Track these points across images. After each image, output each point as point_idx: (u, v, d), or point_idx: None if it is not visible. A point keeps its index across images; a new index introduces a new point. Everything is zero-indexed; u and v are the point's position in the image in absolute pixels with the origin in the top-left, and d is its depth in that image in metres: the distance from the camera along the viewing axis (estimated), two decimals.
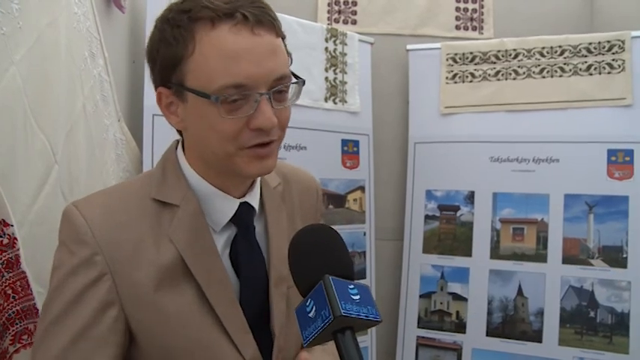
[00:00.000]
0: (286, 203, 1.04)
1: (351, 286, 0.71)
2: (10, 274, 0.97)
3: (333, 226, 0.96)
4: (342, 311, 0.65)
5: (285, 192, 1.05)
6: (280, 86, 0.84)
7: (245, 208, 0.95)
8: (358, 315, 0.67)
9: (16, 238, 0.95)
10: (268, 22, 0.83)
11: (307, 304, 0.70)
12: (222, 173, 0.92)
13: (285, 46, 0.88)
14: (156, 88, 0.89)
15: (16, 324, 0.99)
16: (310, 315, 0.69)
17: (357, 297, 0.69)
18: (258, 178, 1.00)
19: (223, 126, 0.82)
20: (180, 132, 0.96)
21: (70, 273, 0.83)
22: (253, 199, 0.97)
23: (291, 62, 0.89)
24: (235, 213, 0.94)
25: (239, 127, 0.83)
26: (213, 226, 0.93)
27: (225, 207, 0.93)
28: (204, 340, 0.88)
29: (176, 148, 0.97)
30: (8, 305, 0.97)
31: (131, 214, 0.88)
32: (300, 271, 0.75)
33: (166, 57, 0.84)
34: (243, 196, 0.96)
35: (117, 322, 0.84)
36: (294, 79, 0.88)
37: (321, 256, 0.75)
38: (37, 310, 1.03)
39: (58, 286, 0.84)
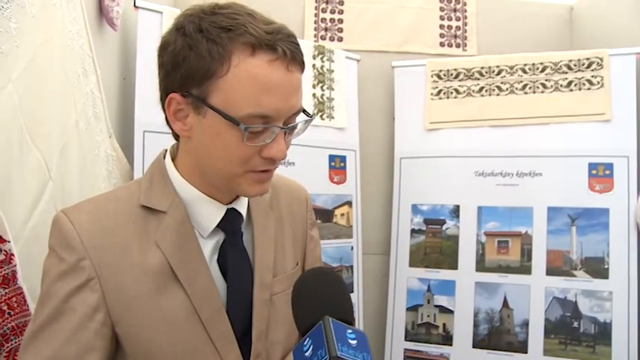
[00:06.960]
0: (274, 211, 1.05)
1: (350, 331, 0.72)
2: (6, 290, 0.97)
3: (320, 241, 0.97)
4: (339, 352, 0.67)
5: (273, 200, 1.06)
6: (295, 123, 0.88)
7: (232, 215, 0.96)
8: (353, 359, 0.68)
9: (13, 254, 0.96)
10: (300, 61, 0.85)
11: (305, 343, 0.72)
12: (214, 185, 0.93)
13: None
14: (167, 91, 0.87)
15: (11, 340, 0.99)
16: (307, 354, 0.70)
17: (355, 342, 0.71)
18: None
19: (238, 150, 0.84)
20: (176, 137, 0.96)
21: (58, 278, 0.84)
22: (241, 206, 0.98)
23: None
24: (223, 219, 0.94)
25: (252, 154, 0.85)
26: (200, 231, 0.93)
27: (213, 212, 0.94)
28: (188, 347, 0.88)
29: (164, 157, 0.97)
30: (3, 321, 0.98)
31: (118, 220, 0.88)
32: (301, 311, 0.78)
33: (195, 68, 0.81)
34: (231, 203, 0.97)
35: (103, 327, 0.84)
36: (306, 117, 0.91)
37: (323, 298, 0.77)
38: None
39: (47, 291, 0.84)
